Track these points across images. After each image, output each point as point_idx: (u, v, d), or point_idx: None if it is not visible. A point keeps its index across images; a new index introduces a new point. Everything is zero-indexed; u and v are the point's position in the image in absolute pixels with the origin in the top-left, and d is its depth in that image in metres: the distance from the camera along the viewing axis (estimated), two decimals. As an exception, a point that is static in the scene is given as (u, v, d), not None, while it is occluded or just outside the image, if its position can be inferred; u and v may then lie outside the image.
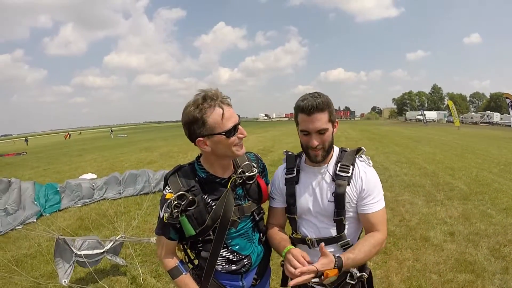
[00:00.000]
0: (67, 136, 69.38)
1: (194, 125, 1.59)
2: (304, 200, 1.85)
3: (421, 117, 67.16)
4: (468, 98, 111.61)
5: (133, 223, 6.09)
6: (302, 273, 1.50)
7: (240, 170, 1.79)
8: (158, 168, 10.93)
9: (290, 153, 1.99)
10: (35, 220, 7.06)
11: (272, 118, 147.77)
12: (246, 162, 1.85)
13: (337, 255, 1.62)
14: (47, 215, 7.43)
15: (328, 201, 1.78)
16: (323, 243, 1.63)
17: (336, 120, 1.80)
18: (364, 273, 1.79)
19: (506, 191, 8.24)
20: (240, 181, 1.78)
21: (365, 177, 1.77)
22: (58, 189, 8.07)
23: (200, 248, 1.78)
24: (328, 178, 1.81)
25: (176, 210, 1.61)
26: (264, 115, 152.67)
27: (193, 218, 1.66)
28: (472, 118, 70.46)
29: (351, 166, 1.78)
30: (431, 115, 78.56)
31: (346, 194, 1.74)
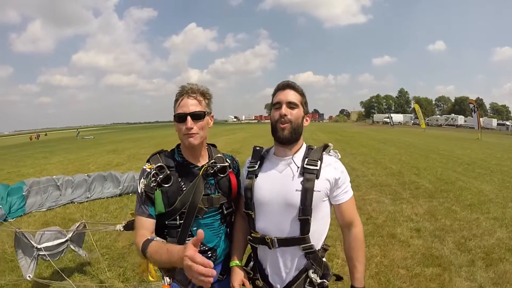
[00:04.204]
0: (33, 137, 66.59)
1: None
2: (265, 190, 1.76)
3: (388, 120, 68.86)
4: (433, 102, 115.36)
5: (99, 226, 5.91)
6: None
7: (212, 160, 1.86)
8: (126, 170, 10.69)
9: (258, 148, 1.96)
10: (-2, 224, 6.72)
11: (241, 120, 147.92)
12: (220, 155, 1.93)
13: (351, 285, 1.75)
14: (11, 220, 7.09)
15: (296, 190, 1.68)
16: None
17: (309, 114, 1.86)
18: (325, 280, 1.75)
19: (470, 188, 8.58)
20: (212, 171, 1.82)
21: (337, 167, 1.75)
22: (24, 193, 7.69)
23: (166, 236, 1.76)
24: (294, 167, 1.75)
25: (153, 179, 1.69)
26: (233, 117, 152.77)
27: (166, 195, 1.71)
28: (437, 120, 73.20)
29: (319, 161, 1.73)
30: (397, 117, 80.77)
31: (314, 190, 1.66)
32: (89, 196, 8.52)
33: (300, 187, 1.68)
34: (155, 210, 1.71)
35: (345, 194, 1.77)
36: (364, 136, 31.61)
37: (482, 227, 5.69)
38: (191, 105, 1.72)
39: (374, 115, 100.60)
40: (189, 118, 1.70)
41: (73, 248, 4.10)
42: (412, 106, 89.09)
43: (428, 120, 69.62)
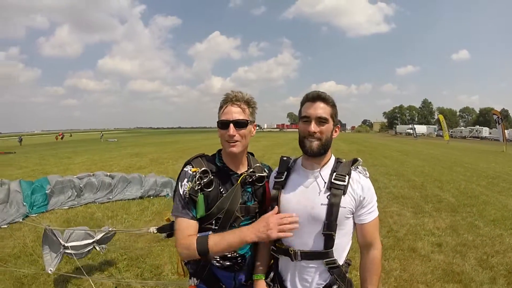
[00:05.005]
0: (58, 136, 68.53)
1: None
2: (291, 203, 1.73)
3: (411, 131, 67.76)
4: (458, 113, 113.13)
5: (119, 227, 6.02)
6: None
7: (252, 169, 1.89)
8: (147, 174, 10.83)
9: (285, 158, 1.93)
10: (21, 220, 6.97)
11: (264, 128, 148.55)
12: (258, 165, 1.96)
13: None
14: (34, 215, 7.32)
15: (322, 204, 1.66)
16: None
17: (338, 126, 1.80)
18: None
19: (494, 203, 8.36)
20: (250, 179, 1.86)
21: (364, 186, 1.71)
22: (47, 192, 7.96)
23: None
24: (321, 182, 1.72)
25: (198, 182, 1.72)
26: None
27: (208, 199, 1.74)
28: (461, 132, 71.50)
29: (347, 176, 1.69)
30: (421, 129, 79.53)
31: (340, 206, 1.64)
32: (111, 198, 8.69)
33: (326, 201, 1.66)
34: (197, 214, 1.74)
35: (369, 214, 1.73)
36: (386, 148, 31.20)
37: (506, 244, 5.53)
38: (235, 112, 1.75)
39: (397, 126, 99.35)
40: (231, 125, 1.74)
41: (98, 248, 4.19)
42: (436, 117, 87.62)
43: (451, 131, 67.94)
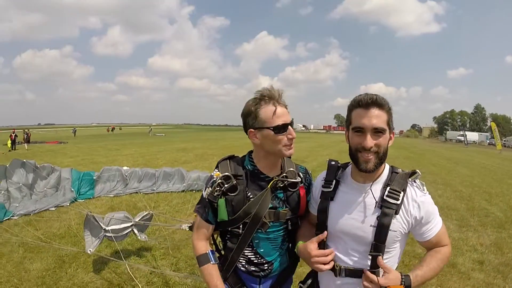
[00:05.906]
0: (110, 129, 72.16)
1: (248, 117, 1.70)
2: (339, 220, 1.62)
3: (462, 138, 64.65)
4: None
5: (160, 217, 6.27)
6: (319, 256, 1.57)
7: (284, 174, 1.80)
8: (192, 169, 11.11)
9: (333, 163, 1.75)
10: (68, 204, 7.53)
11: (310, 129, 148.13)
12: (292, 169, 1.84)
13: (404, 274, 1.50)
14: (81, 201, 7.89)
15: (371, 225, 1.54)
16: (380, 257, 1.51)
17: (393, 131, 1.60)
18: None
19: (545, 222, 7.80)
20: (282, 185, 1.78)
21: (421, 204, 1.55)
22: (94, 177, 8.52)
23: (227, 241, 1.84)
24: (371, 199, 1.57)
25: (218, 189, 1.71)
26: (301, 126, 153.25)
27: (231, 204, 1.72)
28: (515, 141, 67.03)
29: (402, 193, 1.53)
30: (472, 136, 75.47)
31: (390, 229, 1.51)
32: (155, 189, 9.07)
33: (375, 222, 1.54)
34: (218, 218, 1.75)
35: (432, 230, 1.60)
36: (435, 154, 29.96)
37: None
38: (287, 114, 1.68)
39: (447, 132, 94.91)
40: (290, 127, 1.67)
41: (136, 232, 4.42)
42: (489, 124, 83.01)
43: (505, 140, 63.78)
